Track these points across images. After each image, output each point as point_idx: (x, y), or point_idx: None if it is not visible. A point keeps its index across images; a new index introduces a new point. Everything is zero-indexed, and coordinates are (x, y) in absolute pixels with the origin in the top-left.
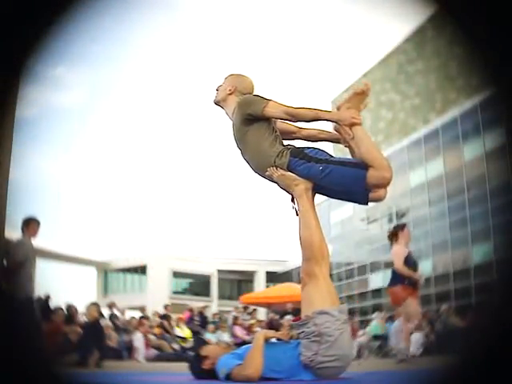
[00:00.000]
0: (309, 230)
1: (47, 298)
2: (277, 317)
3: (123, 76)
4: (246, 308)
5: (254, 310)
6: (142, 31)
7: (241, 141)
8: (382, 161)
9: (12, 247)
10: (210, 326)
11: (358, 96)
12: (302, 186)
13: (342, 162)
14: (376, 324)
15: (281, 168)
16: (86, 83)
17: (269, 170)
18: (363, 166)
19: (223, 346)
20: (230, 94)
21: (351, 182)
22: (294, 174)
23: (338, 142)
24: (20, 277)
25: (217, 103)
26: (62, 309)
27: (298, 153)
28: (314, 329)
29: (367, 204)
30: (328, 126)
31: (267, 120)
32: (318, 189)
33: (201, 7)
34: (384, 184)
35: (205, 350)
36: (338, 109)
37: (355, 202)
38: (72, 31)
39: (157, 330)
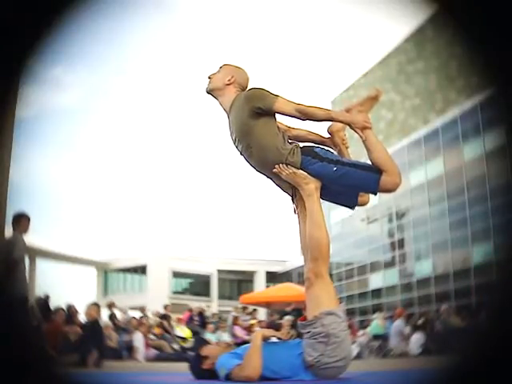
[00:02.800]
0: (320, 230)
1: (47, 298)
2: (277, 317)
3: (122, 76)
4: (245, 308)
5: (254, 310)
6: (141, 32)
7: (246, 135)
8: (394, 166)
9: (6, 245)
10: (210, 326)
11: (371, 100)
12: (313, 185)
13: (355, 165)
14: (376, 324)
15: (292, 166)
16: (84, 83)
17: (277, 168)
18: (375, 169)
19: (223, 346)
20: (228, 85)
21: (364, 184)
22: (304, 173)
23: (325, 145)
24: (16, 275)
25: (210, 91)
26: (62, 309)
27: (309, 151)
28: (321, 329)
29: (354, 208)
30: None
31: (274, 116)
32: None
33: (198, 7)
34: (394, 189)
35: (205, 350)
36: (348, 111)
37: (344, 205)
38: (70, 32)
39: (157, 330)
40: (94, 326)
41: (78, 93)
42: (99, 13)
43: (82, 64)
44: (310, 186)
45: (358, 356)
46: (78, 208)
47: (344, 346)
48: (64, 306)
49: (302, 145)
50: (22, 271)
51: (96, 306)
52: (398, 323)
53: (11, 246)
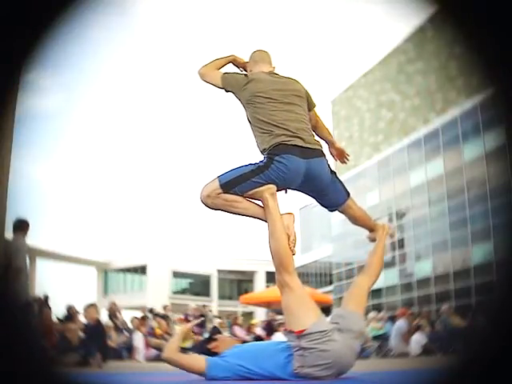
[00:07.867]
0: (275, 240)
1: (46, 298)
2: (277, 317)
3: (104, 78)
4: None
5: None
6: (121, 34)
7: None
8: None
9: (10, 252)
10: (209, 326)
11: None
12: (265, 192)
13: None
14: (371, 328)
15: None
16: (66, 87)
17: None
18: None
19: (233, 341)
20: None
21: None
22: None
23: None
24: (18, 280)
25: None
26: (48, 306)
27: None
28: (296, 344)
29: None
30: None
31: None
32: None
33: (194, 6)
34: None
35: (217, 337)
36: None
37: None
38: (57, 35)
39: (157, 330)
40: (96, 327)
41: (60, 96)
42: (78, 16)
43: (64, 67)
44: (264, 195)
45: (358, 356)
46: (78, 208)
47: (328, 354)
48: (64, 307)
49: None
50: (24, 276)
51: (94, 307)
52: (401, 323)
53: (15, 251)
